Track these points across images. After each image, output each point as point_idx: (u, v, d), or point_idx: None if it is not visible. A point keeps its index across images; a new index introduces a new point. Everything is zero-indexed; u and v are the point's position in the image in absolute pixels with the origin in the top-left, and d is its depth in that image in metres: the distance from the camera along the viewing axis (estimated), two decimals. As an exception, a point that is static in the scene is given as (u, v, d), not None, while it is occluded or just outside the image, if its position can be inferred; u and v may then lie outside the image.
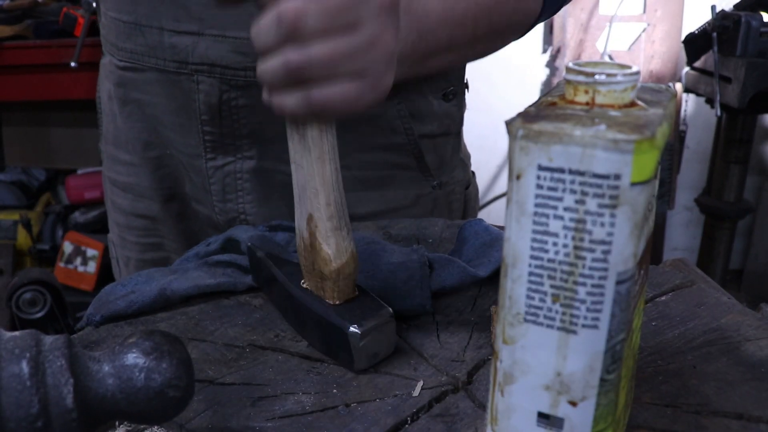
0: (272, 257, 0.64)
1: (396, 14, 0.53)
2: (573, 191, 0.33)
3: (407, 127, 0.83)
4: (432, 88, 0.85)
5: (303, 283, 0.59)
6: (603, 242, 0.33)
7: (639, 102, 0.37)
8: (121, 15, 0.80)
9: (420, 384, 0.52)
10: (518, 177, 0.34)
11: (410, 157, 0.85)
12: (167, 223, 0.91)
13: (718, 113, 1.99)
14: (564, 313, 0.35)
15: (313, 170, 0.54)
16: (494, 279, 0.64)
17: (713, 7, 2.01)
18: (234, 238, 0.70)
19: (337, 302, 0.56)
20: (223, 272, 0.68)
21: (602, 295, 0.34)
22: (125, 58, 0.83)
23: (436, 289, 0.63)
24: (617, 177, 0.32)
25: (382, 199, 0.86)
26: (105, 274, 2.26)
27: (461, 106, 0.91)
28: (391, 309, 0.55)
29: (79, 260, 2.26)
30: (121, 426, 0.47)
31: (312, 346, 0.58)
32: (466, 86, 0.91)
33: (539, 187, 0.34)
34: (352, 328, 0.53)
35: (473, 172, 1.00)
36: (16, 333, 0.39)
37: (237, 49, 0.76)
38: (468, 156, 0.99)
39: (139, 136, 0.87)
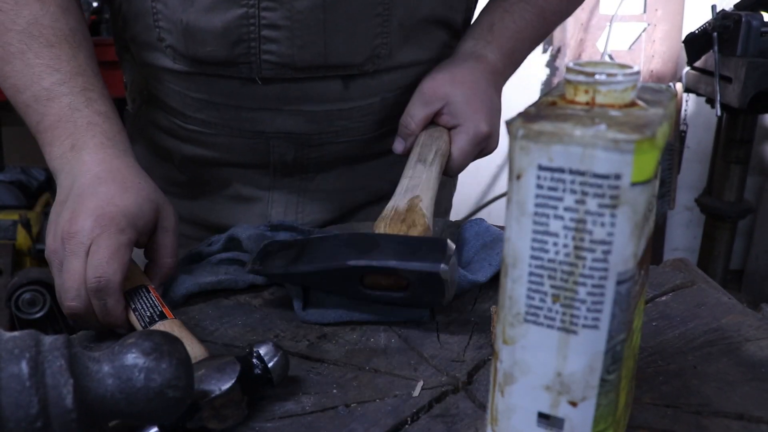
0: None
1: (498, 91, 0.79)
2: (573, 191, 0.33)
3: None
4: None
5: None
6: (603, 242, 0.33)
7: (639, 102, 0.36)
8: (190, 92, 0.79)
9: (420, 384, 0.52)
10: (518, 177, 0.34)
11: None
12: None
13: (719, 113, 1.98)
14: (564, 313, 0.35)
15: None
16: (494, 279, 0.64)
17: (713, 7, 2.01)
18: (235, 237, 0.70)
19: None
20: (225, 270, 0.68)
21: (602, 295, 0.34)
22: (195, 125, 0.82)
23: None
24: (617, 177, 0.32)
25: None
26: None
27: None
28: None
29: (79, 260, 2.25)
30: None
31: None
32: None
33: (539, 187, 0.34)
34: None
35: None
36: (16, 333, 0.39)
37: (312, 119, 0.78)
38: None
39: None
